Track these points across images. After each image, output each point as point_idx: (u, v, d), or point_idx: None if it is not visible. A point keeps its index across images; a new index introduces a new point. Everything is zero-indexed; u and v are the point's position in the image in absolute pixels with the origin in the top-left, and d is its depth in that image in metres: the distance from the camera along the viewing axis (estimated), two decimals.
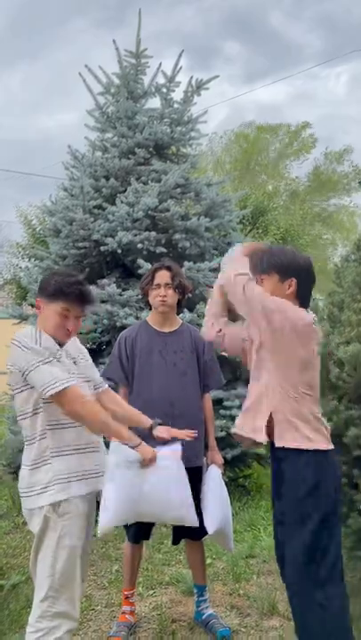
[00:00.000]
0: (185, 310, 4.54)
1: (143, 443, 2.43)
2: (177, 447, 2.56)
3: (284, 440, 2.20)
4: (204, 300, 4.80)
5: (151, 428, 2.63)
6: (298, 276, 2.28)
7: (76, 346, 2.40)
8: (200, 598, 3.09)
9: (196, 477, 2.85)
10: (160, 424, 2.66)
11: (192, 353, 3.03)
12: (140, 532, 2.97)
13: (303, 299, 2.31)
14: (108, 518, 2.41)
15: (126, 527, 2.94)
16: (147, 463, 2.42)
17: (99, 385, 2.49)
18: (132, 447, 2.37)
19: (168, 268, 3.02)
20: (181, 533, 3.07)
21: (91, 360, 2.47)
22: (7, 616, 3.12)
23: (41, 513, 2.17)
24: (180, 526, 3.03)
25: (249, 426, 2.26)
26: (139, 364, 2.99)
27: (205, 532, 2.92)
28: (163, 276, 3.00)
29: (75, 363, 2.32)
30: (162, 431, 2.64)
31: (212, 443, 3.10)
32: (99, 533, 2.46)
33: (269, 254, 2.34)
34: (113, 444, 2.42)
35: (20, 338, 2.18)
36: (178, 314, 3.20)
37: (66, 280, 2.26)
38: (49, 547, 2.16)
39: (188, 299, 4.60)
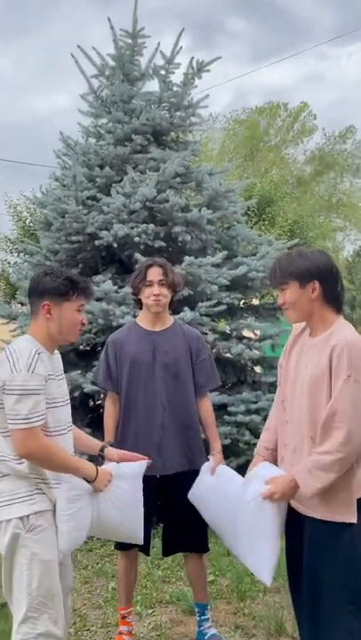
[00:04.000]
0: (186, 309, 4.36)
1: (100, 471, 2.29)
2: (139, 466, 2.48)
3: None
4: (207, 297, 4.64)
5: (102, 451, 2.52)
6: (321, 279, 2.17)
7: (60, 362, 2.32)
8: (202, 617, 2.98)
9: (191, 482, 2.79)
10: (112, 445, 2.59)
11: (186, 352, 2.90)
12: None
13: (334, 301, 2.22)
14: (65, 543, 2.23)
15: None
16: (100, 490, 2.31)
17: None
18: (89, 482, 2.23)
19: (160, 266, 2.90)
20: (178, 546, 2.96)
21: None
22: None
23: (8, 528, 2.07)
24: (175, 538, 2.95)
25: None
26: (129, 368, 2.89)
27: (207, 548, 2.91)
28: (155, 274, 2.87)
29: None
30: (112, 453, 2.52)
31: (217, 448, 2.92)
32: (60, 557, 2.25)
33: (283, 262, 2.21)
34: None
35: (16, 354, 2.09)
36: (178, 312, 3.07)
37: (72, 276, 2.24)
38: (22, 565, 2.07)
39: (190, 296, 4.53)
